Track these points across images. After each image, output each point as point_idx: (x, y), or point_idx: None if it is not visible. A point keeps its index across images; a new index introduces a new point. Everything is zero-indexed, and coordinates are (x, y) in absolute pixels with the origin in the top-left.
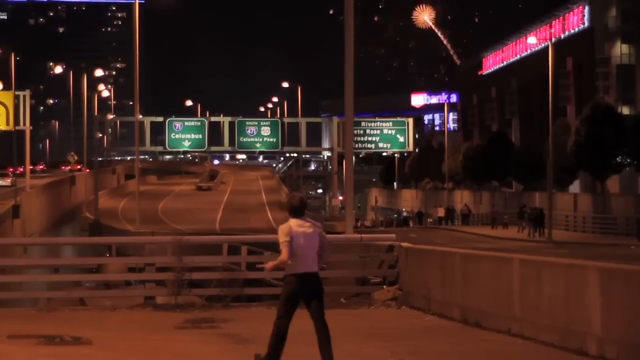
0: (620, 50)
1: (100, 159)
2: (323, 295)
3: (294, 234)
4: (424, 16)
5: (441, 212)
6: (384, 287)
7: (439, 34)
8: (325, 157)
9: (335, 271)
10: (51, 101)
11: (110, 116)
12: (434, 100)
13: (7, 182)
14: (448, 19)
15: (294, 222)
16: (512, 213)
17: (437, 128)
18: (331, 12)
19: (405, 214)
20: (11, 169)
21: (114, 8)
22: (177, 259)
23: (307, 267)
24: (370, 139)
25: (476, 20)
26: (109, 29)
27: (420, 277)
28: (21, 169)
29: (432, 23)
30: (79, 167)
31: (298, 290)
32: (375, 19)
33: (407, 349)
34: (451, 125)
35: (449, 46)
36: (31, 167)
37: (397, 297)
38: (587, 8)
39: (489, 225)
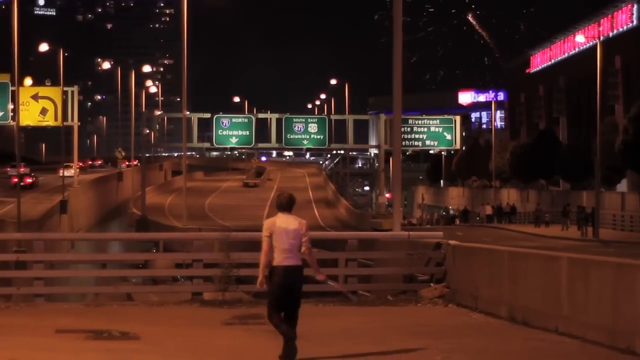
0: None
1: (147, 155)
2: (301, 290)
3: (276, 229)
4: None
5: (488, 209)
6: (431, 284)
7: (483, 33)
8: (372, 155)
9: (382, 268)
10: (99, 97)
11: (158, 112)
12: (482, 98)
13: (71, 172)
14: (493, 22)
15: (279, 218)
16: (554, 212)
17: (484, 126)
18: (376, 17)
19: (452, 212)
20: (80, 163)
21: (161, 4)
22: (224, 255)
23: (289, 260)
24: (417, 136)
25: (521, 21)
26: (156, 25)
27: (468, 274)
28: (88, 162)
29: (477, 22)
30: (126, 163)
31: (283, 282)
32: (425, 13)
33: (454, 346)
34: (498, 123)
35: (494, 45)
36: (90, 162)
37: (445, 294)
38: (635, 6)
39: (533, 223)
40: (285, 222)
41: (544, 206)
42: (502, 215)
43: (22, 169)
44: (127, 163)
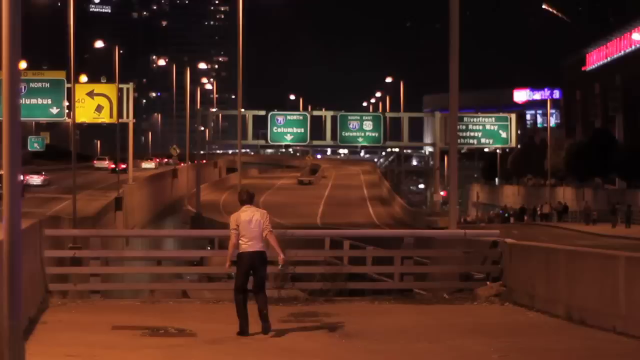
0: None
1: (202, 152)
2: (266, 269)
3: (241, 222)
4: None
5: (546, 208)
6: (488, 283)
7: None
8: (427, 153)
9: (438, 267)
10: (154, 94)
11: (213, 110)
12: (537, 96)
13: (151, 164)
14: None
15: (243, 212)
16: (603, 210)
17: (539, 124)
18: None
19: (508, 211)
20: (157, 159)
21: (216, 2)
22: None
23: (254, 247)
24: (472, 134)
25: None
26: (211, 22)
27: (524, 273)
28: (164, 159)
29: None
30: (181, 165)
31: (247, 265)
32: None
33: (511, 345)
34: (554, 121)
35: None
36: (165, 159)
37: (501, 293)
38: None
39: (583, 221)
40: (248, 215)
41: (599, 205)
42: (559, 214)
43: (107, 162)
44: (182, 164)
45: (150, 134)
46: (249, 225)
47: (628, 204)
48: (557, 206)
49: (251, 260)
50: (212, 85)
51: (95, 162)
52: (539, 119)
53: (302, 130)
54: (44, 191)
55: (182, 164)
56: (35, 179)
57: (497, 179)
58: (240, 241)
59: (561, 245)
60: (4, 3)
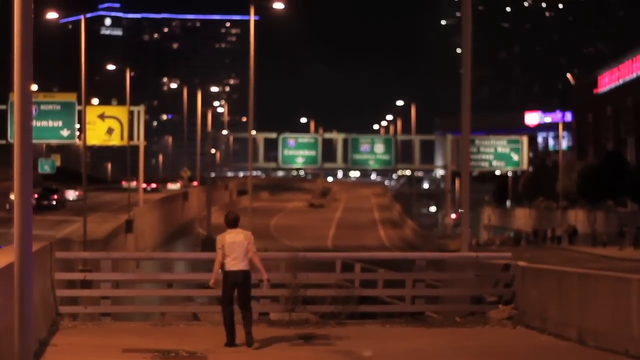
0: None
1: (213, 174)
2: (250, 287)
3: (226, 243)
4: None
5: (559, 231)
6: (500, 306)
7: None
8: (438, 175)
9: (450, 289)
10: (165, 117)
11: (224, 132)
12: (548, 119)
13: (177, 185)
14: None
15: (229, 234)
16: (611, 232)
17: (550, 147)
18: (458, 51)
19: (518, 234)
20: (180, 183)
21: (227, 24)
22: (291, 275)
23: (237, 266)
24: (484, 157)
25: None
26: (222, 45)
27: (537, 296)
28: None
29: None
30: (187, 184)
31: (231, 282)
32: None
33: None
34: (565, 143)
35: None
36: (181, 182)
37: (513, 316)
38: None
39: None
40: (233, 237)
41: (610, 227)
42: (570, 236)
43: (135, 183)
44: (196, 183)
45: (161, 156)
46: (233, 246)
47: (637, 226)
48: (568, 229)
49: (235, 278)
50: (224, 108)
51: (124, 182)
52: (551, 142)
53: (314, 152)
54: (55, 213)
55: (196, 183)
56: (71, 194)
57: (508, 202)
58: (225, 260)
59: (573, 268)
60: (15, 27)
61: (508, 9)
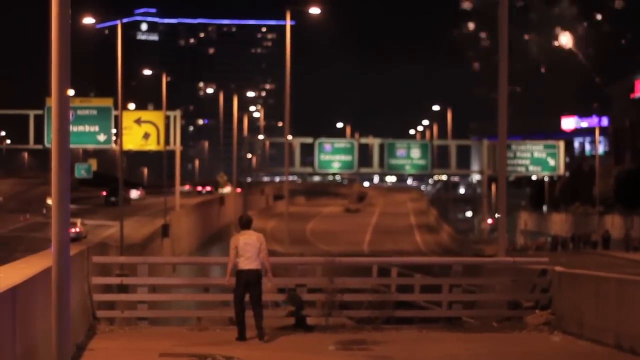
0: None
1: (249, 179)
2: (261, 285)
3: (240, 243)
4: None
5: (595, 236)
6: (537, 311)
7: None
8: (475, 180)
9: (487, 294)
10: (201, 122)
11: (260, 137)
12: (584, 124)
13: (228, 189)
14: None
15: (242, 235)
16: None
17: (587, 151)
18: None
19: (553, 238)
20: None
21: (264, 29)
22: (328, 280)
23: (250, 265)
24: (520, 162)
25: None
26: (258, 50)
27: (574, 301)
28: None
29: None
30: (209, 189)
31: (244, 281)
32: (526, 37)
33: None
34: (602, 148)
35: (593, 69)
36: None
37: (550, 321)
38: None
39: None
40: (247, 238)
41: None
42: (605, 241)
43: (188, 187)
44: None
45: (197, 161)
46: (246, 247)
47: None
48: (605, 234)
49: (247, 277)
50: (260, 113)
51: (188, 186)
52: (587, 147)
53: (350, 157)
54: (92, 217)
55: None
56: (134, 193)
57: (545, 207)
58: (238, 259)
59: (610, 274)
60: (53, 32)
61: None
